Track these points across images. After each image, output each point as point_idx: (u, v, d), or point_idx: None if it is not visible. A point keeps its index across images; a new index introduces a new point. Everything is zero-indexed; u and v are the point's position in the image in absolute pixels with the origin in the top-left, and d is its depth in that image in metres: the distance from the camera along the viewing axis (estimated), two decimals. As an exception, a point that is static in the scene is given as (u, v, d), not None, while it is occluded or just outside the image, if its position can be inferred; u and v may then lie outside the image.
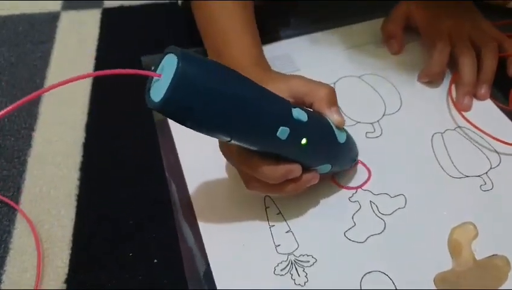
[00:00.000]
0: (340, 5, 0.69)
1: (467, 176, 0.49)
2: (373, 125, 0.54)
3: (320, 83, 0.45)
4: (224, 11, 0.54)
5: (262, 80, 0.47)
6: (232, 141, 0.38)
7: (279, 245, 0.45)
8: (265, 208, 0.48)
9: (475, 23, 0.59)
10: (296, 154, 0.41)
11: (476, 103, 0.56)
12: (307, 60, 0.61)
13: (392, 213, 0.47)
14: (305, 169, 0.43)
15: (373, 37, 0.64)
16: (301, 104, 0.44)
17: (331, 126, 0.44)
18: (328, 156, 0.44)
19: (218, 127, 0.36)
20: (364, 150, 0.51)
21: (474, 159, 0.51)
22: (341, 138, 0.44)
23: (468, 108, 0.55)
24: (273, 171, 0.41)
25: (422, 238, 0.45)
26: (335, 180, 0.49)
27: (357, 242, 0.45)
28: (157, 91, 0.34)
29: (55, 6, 0.72)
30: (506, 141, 0.51)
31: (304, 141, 0.40)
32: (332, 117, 0.44)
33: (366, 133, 0.54)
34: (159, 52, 0.37)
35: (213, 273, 0.43)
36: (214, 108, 0.35)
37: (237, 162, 0.42)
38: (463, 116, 0.53)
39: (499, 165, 0.50)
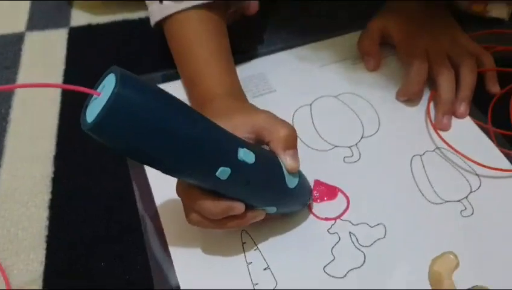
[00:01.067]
0: (316, 19, 0.67)
1: (447, 201, 0.48)
2: (351, 149, 0.53)
3: (283, 122, 0.44)
4: (197, 39, 0.52)
5: (229, 110, 0.46)
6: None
7: (257, 284, 0.44)
8: (242, 244, 0.46)
9: (454, 38, 0.58)
10: (238, 193, 0.40)
11: (455, 121, 0.55)
12: (282, 79, 0.60)
13: (371, 244, 0.46)
14: (249, 207, 0.42)
15: (350, 52, 0.62)
16: (261, 142, 0.43)
17: (282, 170, 0.42)
18: (273, 199, 0.43)
19: (152, 159, 0.35)
20: (343, 176, 0.50)
21: (454, 182, 0.50)
22: (291, 182, 0.43)
23: (447, 127, 0.54)
24: (213, 207, 0.40)
25: (403, 270, 0.44)
26: (312, 211, 0.48)
27: (337, 278, 0.44)
28: (93, 111, 0.32)
29: (19, 26, 0.69)
30: (484, 163, 0.50)
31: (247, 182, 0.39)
32: (285, 161, 0.42)
33: (344, 157, 0.52)
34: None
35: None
36: (148, 139, 0.33)
37: (178, 191, 0.41)
38: (441, 138, 0.52)
39: (479, 188, 0.50)
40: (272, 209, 0.43)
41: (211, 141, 0.36)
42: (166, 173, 0.37)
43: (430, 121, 0.54)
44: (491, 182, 0.50)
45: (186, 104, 0.36)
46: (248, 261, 0.45)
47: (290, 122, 0.53)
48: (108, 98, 0.31)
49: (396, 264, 0.44)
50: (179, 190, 0.41)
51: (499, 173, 0.50)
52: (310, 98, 0.58)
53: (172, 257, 0.45)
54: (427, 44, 0.56)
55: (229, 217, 0.41)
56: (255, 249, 0.46)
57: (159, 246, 0.46)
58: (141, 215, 0.48)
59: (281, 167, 0.42)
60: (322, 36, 0.64)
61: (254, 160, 0.39)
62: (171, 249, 0.46)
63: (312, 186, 0.49)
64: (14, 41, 0.66)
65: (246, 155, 0.38)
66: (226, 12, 0.57)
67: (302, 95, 0.58)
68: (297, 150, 0.43)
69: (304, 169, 0.50)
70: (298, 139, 0.50)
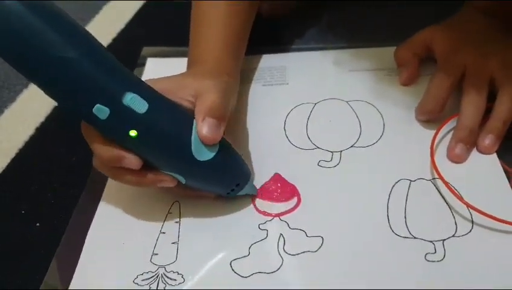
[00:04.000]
0: (365, 26, 0.61)
1: (415, 238, 0.39)
2: (332, 154, 0.46)
3: (216, 91, 0.40)
4: (209, 10, 0.51)
5: (195, 72, 0.44)
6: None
7: (156, 254, 0.40)
8: (167, 213, 0.43)
9: (505, 59, 0.47)
10: (126, 143, 0.37)
11: (476, 156, 0.45)
12: (299, 75, 0.55)
13: (296, 254, 0.39)
14: (153, 168, 0.38)
15: (388, 63, 0.54)
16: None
17: (189, 136, 0.38)
18: (174, 165, 0.38)
19: (32, 75, 0.34)
20: (308, 177, 0.44)
21: (437, 221, 0.40)
22: (201, 154, 0.38)
23: (458, 158, 0.44)
24: (104, 151, 0.37)
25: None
26: (254, 202, 0.43)
27: (240, 276, 0.38)
28: None
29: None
30: (492, 212, 0.39)
31: (133, 133, 0.36)
32: (200, 128, 0.38)
33: (320, 161, 0.45)
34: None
35: (78, 264, 0.40)
36: (25, 52, 0.33)
37: (82, 129, 0.39)
38: (434, 166, 0.42)
39: (466, 235, 0.39)
40: (181, 179, 0.39)
41: (91, 71, 0.35)
42: (51, 97, 0.36)
43: (432, 144, 0.44)
44: (486, 233, 0.39)
45: (78, 29, 0.35)
46: (162, 231, 0.41)
47: (285, 116, 0.50)
48: None
49: (310, 283, 0.37)
50: (82, 128, 0.39)
51: (499, 225, 0.39)
52: (318, 97, 0.52)
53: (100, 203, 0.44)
54: (470, 61, 0.47)
55: (127, 170, 0.38)
56: (176, 222, 0.42)
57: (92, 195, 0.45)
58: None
59: (189, 132, 0.38)
60: (362, 44, 0.58)
61: (146, 110, 0.36)
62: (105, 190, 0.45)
63: (270, 179, 0.44)
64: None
65: (134, 102, 0.36)
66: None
67: (311, 93, 0.52)
68: (223, 123, 0.39)
69: (272, 161, 0.46)
70: (280, 131, 0.49)
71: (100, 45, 0.36)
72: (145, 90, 0.37)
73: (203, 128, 0.38)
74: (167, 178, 0.39)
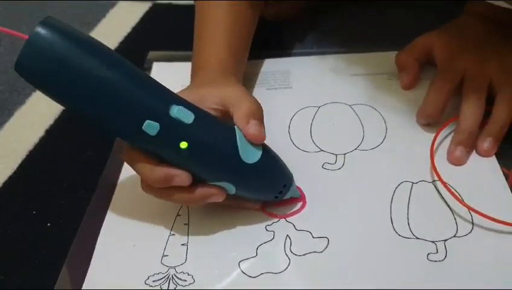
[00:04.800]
0: (368, 30, 0.62)
1: (418, 238, 0.40)
2: (336, 157, 0.47)
3: (250, 97, 0.41)
4: (213, 14, 0.52)
5: (206, 81, 0.45)
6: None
7: (166, 255, 0.41)
8: (176, 215, 0.44)
9: (504, 64, 0.48)
10: (175, 158, 0.37)
11: (475, 159, 0.46)
12: (303, 79, 0.56)
13: (303, 255, 0.40)
14: (201, 182, 0.39)
15: (389, 67, 0.55)
16: (228, 115, 0.40)
17: (235, 139, 0.38)
18: (224, 172, 0.39)
19: (74, 102, 0.35)
20: (313, 180, 0.45)
21: (438, 221, 0.41)
22: (249, 156, 0.39)
23: (458, 161, 0.45)
24: (151, 171, 0.37)
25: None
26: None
27: (248, 276, 0.39)
28: None
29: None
30: (491, 213, 0.40)
31: (183, 145, 0.36)
32: (247, 129, 0.39)
33: (324, 163, 0.47)
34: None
35: (90, 265, 0.41)
36: (68, 80, 0.33)
37: (124, 154, 0.39)
38: (434, 168, 0.44)
39: (467, 235, 0.40)
40: (230, 188, 0.39)
41: (134, 89, 0.35)
42: (93, 123, 0.37)
43: (432, 147, 0.46)
44: (485, 233, 0.40)
45: (112, 52, 0.36)
46: (172, 233, 0.43)
47: (289, 120, 0.51)
48: (28, 38, 0.33)
49: (316, 282, 0.38)
50: (125, 152, 0.39)
51: (498, 226, 0.40)
52: (321, 101, 0.53)
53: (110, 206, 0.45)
54: (469, 66, 0.48)
55: (176, 188, 0.38)
56: (184, 224, 0.43)
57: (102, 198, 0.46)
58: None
59: (233, 135, 0.39)
60: (364, 49, 0.59)
61: (193, 120, 0.37)
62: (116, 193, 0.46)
63: None
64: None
65: (181, 113, 0.36)
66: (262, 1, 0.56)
67: (315, 97, 0.53)
68: (263, 123, 0.40)
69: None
70: (285, 134, 0.50)
71: (133, 64, 0.37)
72: (186, 102, 0.38)
73: (250, 129, 0.39)
74: (217, 191, 0.39)
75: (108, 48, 0.36)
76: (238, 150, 0.38)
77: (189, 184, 0.38)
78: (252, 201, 0.42)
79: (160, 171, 0.37)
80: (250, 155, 0.39)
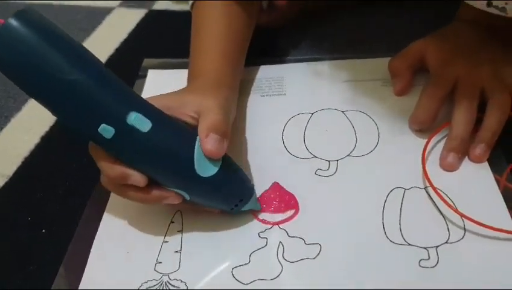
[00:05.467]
0: (362, 36, 0.62)
1: (410, 245, 0.40)
2: (329, 163, 0.47)
3: (219, 109, 0.41)
4: (208, 22, 0.53)
5: (194, 89, 0.45)
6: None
7: (160, 263, 0.41)
8: (170, 222, 0.44)
9: (496, 70, 0.48)
10: (130, 162, 0.38)
11: (467, 165, 0.46)
12: (297, 86, 0.56)
13: (295, 261, 0.40)
14: (158, 184, 0.39)
15: (383, 74, 0.56)
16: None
17: (192, 153, 0.39)
18: (177, 182, 0.39)
19: (36, 96, 0.35)
20: (305, 186, 0.46)
21: (431, 228, 0.42)
22: (204, 170, 0.39)
23: (450, 167, 0.45)
24: (109, 169, 0.39)
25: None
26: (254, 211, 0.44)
27: (241, 283, 0.39)
28: None
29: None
30: (482, 219, 0.40)
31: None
32: (203, 143, 0.39)
33: (317, 170, 0.47)
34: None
35: (84, 273, 0.41)
36: (31, 75, 0.34)
37: (90, 149, 0.40)
38: (425, 175, 0.44)
39: (459, 241, 0.40)
40: (185, 195, 0.40)
41: (95, 92, 0.36)
42: (57, 118, 0.38)
43: (424, 154, 0.46)
44: (477, 239, 0.40)
45: (83, 52, 0.36)
46: (165, 240, 0.43)
47: (283, 126, 0.52)
48: None
49: (309, 289, 0.38)
50: (90, 147, 0.40)
51: (490, 232, 0.40)
52: (315, 107, 0.53)
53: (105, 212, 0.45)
54: (461, 73, 0.48)
55: (132, 187, 0.39)
56: (178, 231, 0.43)
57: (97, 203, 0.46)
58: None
59: (191, 149, 0.39)
60: (358, 55, 0.59)
61: (149, 129, 0.37)
62: (110, 199, 0.46)
63: (269, 188, 0.45)
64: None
65: (138, 121, 0.37)
66: (258, 8, 0.56)
67: (308, 103, 0.54)
68: (226, 138, 0.40)
69: (271, 171, 0.47)
70: (278, 140, 0.50)
71: (103, 65, 0.37)
72: (148, 109, 0.38)
73: (208, 143, 0.39)
74: (172, 195, 0.40)
75: (81, 46, 0.36)
76: (193, 163, 0.39)
77: (145, 185, 0.39)
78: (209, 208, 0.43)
79: (118, 170, 0.38)
80: (206, 169, 0.39)
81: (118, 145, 0.37)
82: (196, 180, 0.39)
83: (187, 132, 0.40)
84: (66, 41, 0.35)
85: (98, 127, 0.36)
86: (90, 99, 0.36)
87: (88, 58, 0.36)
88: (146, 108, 0.38)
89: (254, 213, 0.44)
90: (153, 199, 0.40)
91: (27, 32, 0.33)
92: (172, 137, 0.39)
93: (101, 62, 0.37)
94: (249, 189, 0.43)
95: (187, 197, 0.40)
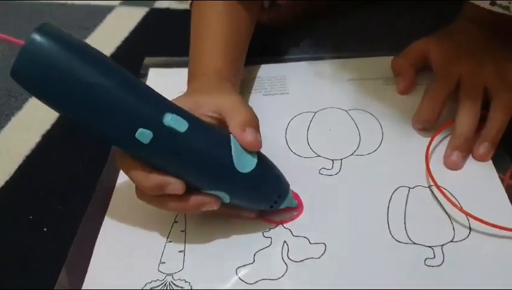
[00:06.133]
0: (364, 35, 0.62)
1: (415, 243, 0.40)
2: (333, 162, 0.47)
3: (247, 107, 0.41)
4: (209, 20, 0.52)
5: (203, 89, 0.45)
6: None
7: (163, 263, 0.41)
8: (173, 222, 0.44)
9: (499, 68, 0.48)
10: (169, 166, 0.37)
11: (472, 163, 0.46)
12: (300, 85, 0.56)
13: (301, 261, 0.40)
14: (195, 189, 0.38)
15: (385, 72, 0.56)
16: (224, 124, 0.40)
17: (230, 148, 0.38)
18: (218, 181, 0.38)
19: (68, 109, 0.35)
20: (309, 185, 0.45)
21: (435, 226, 0.41)
22: (243, 165, 0.39)
23: (454, 165, 0.45)
24: (144, 179, 0.37)
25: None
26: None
27: (246, 282, 0.39)
28: None
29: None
30: (487, 217, 0.40)
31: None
32: (244, 137, 0.39)
33: (321, 169, 0.47)
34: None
35: (87, 273, 0.41)
36: (61, 87, 0.34)
37: (119, 161, 0.39)
38: (429, 173, 0.44)
39: (464, 240, 0.40)
40: (225, 197, 0.39)
41: (128, 97, 0.35)
42: (87, 130, 0.37)
43: (427, 152, 0.46)
44: (482, 238, 0.40)
45: (107, 59, 0.36)
46: (169, 240, 0.42)
47: (286, 125, 0.51)
48: (23, 44, 0.33)
49: (315, 289, 0.38)
50: (120, 159, 0.39)
51: (495, 231, 0.40)
52: (318, 106, 0.53)
53: (107, 212, 0.45)
54: (465, 71, 0.48)
55: (170, 196, 0.38)
56: (181, 231, 0.43)
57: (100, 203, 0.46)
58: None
59: (228, 144, 0.38)
60: (360, 54, 0.59)
61: (186, 129, 0.37)
62: (113, 199, 0.46)
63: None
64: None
65: (174, 121, 0.36)
66: (259, 7, 0.56)
67: (311, 102, 0.54)
68: (259, 131, 0.40)
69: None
70: (282, 139, 0.50)
71: (128, 72, 0.37)
72: (180, 110, 0.38)
73: (247, 136, 0.39)
74: (211, 199, 0.39)
75: (104, 55, 0.36)
76: (232, 159, 0.38)
77: (183, 192, 0.38)
78: (248, 210, 0.42)
79: (154, 179, 0.37)
80: (245, 164, 0.39)
81: (157, 150, 0.36)
82: (237, 177, 0.39)
83: (218, 130, 0.40)
84: (89, 51, 0.35)
85: (135, 133, 0.35)
86: (125, 104, 0.35)
87: (111, 63, 0.36)
88: (178, 109, 0.38)
89: (257, 215, 0.43)
90: (193, 206, 0.39)
91: (53, 46, 0.33)
92: (209, 135, 0.39)
93: (125, 69, 0.37)
94: (286, 184, 0.42)
95: (227, 199, 0.39)
